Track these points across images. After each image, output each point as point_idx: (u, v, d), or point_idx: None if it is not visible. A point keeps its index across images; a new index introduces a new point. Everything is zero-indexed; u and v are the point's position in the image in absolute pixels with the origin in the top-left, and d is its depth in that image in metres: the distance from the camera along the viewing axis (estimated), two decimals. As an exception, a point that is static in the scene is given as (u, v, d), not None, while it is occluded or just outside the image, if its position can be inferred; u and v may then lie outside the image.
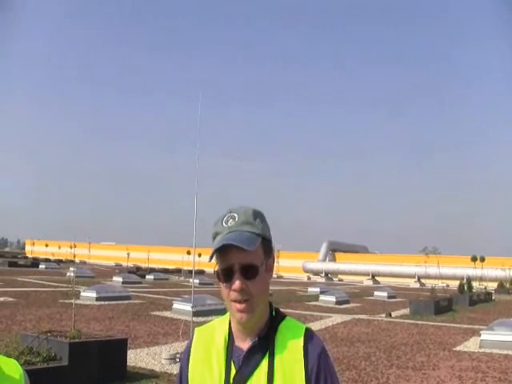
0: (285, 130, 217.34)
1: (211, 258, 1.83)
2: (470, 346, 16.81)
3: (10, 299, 22.60)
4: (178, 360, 11.93)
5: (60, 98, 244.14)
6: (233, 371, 1.85)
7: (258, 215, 1.87)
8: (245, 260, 1.78)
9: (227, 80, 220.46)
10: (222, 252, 1.79)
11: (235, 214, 1.85)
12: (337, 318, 23.14)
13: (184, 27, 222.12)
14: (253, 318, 1.81)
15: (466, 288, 38.13)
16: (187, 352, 1.99)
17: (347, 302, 32.65)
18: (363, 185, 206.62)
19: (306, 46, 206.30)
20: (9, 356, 1.99)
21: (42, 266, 59.52)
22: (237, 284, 1.78)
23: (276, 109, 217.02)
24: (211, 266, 1.87)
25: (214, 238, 1.85)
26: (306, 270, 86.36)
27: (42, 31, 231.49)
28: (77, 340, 9.80)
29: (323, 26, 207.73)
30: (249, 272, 1.79)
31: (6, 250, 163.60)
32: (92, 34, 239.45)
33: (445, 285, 44.26)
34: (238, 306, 1.79)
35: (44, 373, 8.47)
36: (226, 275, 1.81)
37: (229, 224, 1.83)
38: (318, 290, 39.47)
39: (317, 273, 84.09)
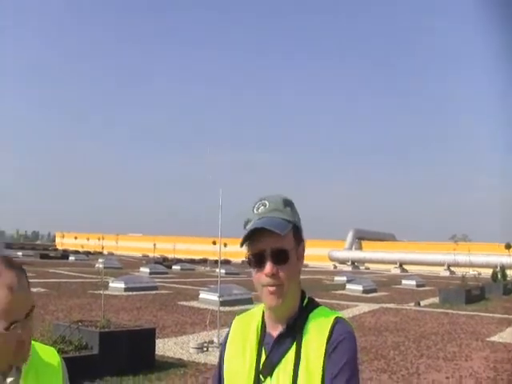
0: (310, 118, 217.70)
1: (242, 243, 1.86)
2: (506, 336, 16.35)
3: (43, 290, 22.88)
4: (205, 349, 12.03)
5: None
6: (263, 357, 1.89)
7: (288, 203, 1.90)
8: (276, 244, 1.81)
9: (244, 72, 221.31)
10: (253, 237, 1.83)
11: (266, 202, 1.89)
12: (364, 307, 23.13)
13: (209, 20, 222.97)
14: (283, 303, 1.83)
15: (499, 276, 37.20)
16: (225, 338, 2.05)
17: (374, 290, 32.51)
18: (389, 173, 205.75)
19: (312, 43, 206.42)
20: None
21: (71, 258, 60.14)
22: (268, 268, 1.81)
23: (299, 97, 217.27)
24: (237, 256, 1.92)
25: (245, 225, 1.88)
26: (332, 259, 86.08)
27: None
28: (106, 329, 9.94)
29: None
30: (280, 257, 1.82)
31: (38, 242, 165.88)
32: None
33: (476, 273, 43.50)
34: (270, 288, 1.82)
35: (76, 361, 8.62)
36: (257, 260, 1.84)
37: (259, 211, 1.87)
38: (344, 278, 39.31)
39: (343, 261, 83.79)
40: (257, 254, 1.84)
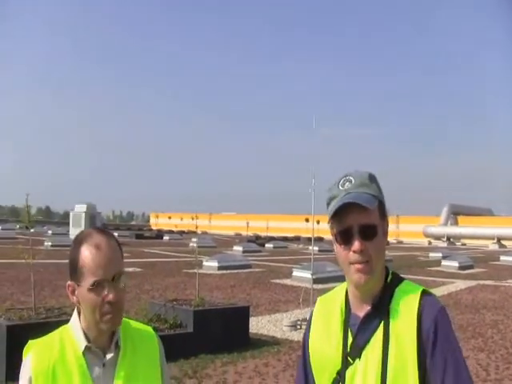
0: (406, 96, 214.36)
1: (330, 219, 1.83)
2: None
3: (138, 269, 23.58)
4: (298, 327, 12.07)
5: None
6: (350, 339, 1.86)
7: (373, 179, 1.87)
8: (364, 220, 1.79)
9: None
10: (340, 214, 1.80)
11: (351, 178, 1.85)
12: (460, 284, 22.59)
13: None
14: (371, 280, 1.80)
15: None
16: (309, 321, 2.04)
17: (471, 267, 31.67)
18: (487, 147, 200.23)
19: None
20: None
21: (165, 238, 61.30)
22: (356, 245, 1.78)
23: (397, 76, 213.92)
24: (331, 236, 1.88)
25: (329, 202, 1.86)
26: (426, 235, 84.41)
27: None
28: (201, 308, 10.14)
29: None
30: (368, 232, 1.79)
31: (133, 223, 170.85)
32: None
33: None
34: (358, 266, 1.79)
35: (171, 339, 8.83)
36: (344, 237, 1.81)
37: (345, 187, 1.84)
38: (439, 254, 38.62)
39: (438, 237, 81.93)
40: (344, 230, 1.81)
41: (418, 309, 1.80)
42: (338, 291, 2.00)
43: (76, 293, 1.87)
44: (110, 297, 1.82)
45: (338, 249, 1.85)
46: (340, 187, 1.85)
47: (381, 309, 1.84)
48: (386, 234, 1.89)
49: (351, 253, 1.79)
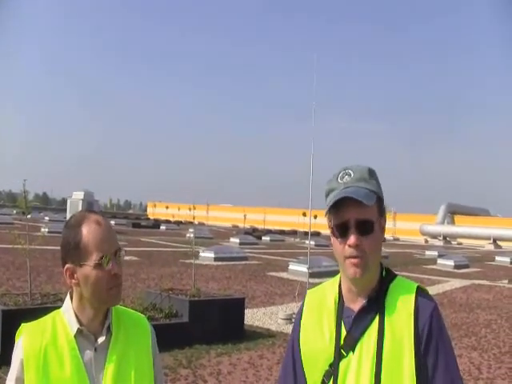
0: (407, 91, 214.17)
1: (327, 212, 1.83)
2: None
3: (135, 258, 23.56)
4: (293, 320, 12.07)
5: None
6: (343, 332, 1.86)
7: (373, 174, 1.86)
8: (361, 215, 1.78)
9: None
10: (337, 207, 1.79)
11: (350, 171, 1.84)
12: (455, 283, 22.63)
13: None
14: (365, 274, 1.80)
15: None
16: (299, 314, 2.03)
17: (466, 266, 31.74)
18: (486, 146, 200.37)
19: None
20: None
21: (162, 227, 61.50)
22: (352, 239, 1.77)
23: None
24: (327, 228, 1.87)
25: (328, 194, 1.85)
26: (423, 233, 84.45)
27: None
28: (196, 298, 10.14)
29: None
30: (364, 228, 1.78)
31: (130, 211, 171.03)
32: None
33: None
34: (353, 260, 1.78)
35: (166, 328, 8.83)
36: (340, 231, 1.80)
37: (344, 180, 1.83)
38: (435, 253, 38.72)
39: (434, 236, 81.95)
40: (341, 224, 1.80)
41: (415, 304, 1.81)
42: (329, 285, 2.00)
43: (76, 275, 1.88)
44: (116, 269, 1.86)
45: (334, 242, 1.85)
46: (339, 180, 1.84)
47: (376, 303, 1.84)
48: (383, 230, 1.89)
49: (347, 247, 1.79)
